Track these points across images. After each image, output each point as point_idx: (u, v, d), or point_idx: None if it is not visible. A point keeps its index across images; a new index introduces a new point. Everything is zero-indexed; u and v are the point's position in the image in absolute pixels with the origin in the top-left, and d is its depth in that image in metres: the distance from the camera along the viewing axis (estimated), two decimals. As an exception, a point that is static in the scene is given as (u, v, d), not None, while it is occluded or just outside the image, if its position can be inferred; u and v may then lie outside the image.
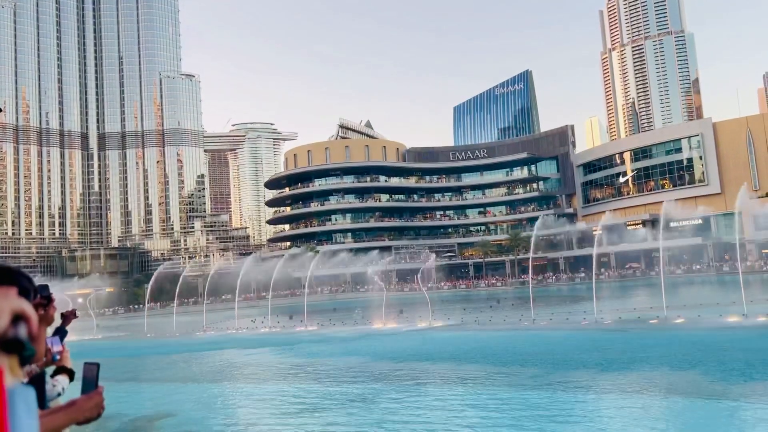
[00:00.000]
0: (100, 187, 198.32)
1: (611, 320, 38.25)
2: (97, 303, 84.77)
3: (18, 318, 0.94)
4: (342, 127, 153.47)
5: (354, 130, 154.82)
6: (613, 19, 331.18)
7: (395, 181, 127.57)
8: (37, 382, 2.88)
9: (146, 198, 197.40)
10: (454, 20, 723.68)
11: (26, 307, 0.95)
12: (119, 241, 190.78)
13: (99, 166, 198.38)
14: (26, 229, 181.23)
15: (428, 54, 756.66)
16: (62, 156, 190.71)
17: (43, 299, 3.85)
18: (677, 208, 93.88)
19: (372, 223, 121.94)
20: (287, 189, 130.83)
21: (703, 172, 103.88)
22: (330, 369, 27.75)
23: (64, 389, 3.42)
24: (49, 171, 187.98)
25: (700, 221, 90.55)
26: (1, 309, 0.92)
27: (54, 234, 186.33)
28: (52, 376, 3.45)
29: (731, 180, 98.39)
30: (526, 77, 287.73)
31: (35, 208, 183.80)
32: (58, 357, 3.38)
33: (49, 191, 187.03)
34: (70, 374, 3.42)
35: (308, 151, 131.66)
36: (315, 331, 48.52)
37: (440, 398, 19.77)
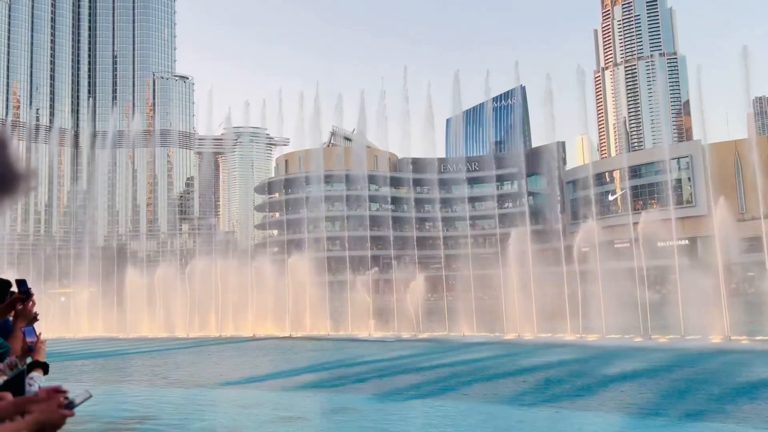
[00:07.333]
0: (88, 185, 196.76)
1: (596, 336, 38.38)
2: (80, 303, 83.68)
3: None
4: (334, 134, 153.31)
5: (346, 138, 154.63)
6: (607, 39, 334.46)
7: (385, 191, 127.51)
8: (17, 381, 2.80)
9: (134, 198, 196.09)
10: (451, 32, 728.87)
11: None
12: (105, 240, 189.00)
13: (88, 164, 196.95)
14: (11, 225, 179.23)
15: (424, 65, 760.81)
16: (51, 153, 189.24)
17: (21, 294, 3.74)
18: (664, 229, 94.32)
19: (361, 232, 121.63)
20: (277, 194, 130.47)
21: (691, 194, 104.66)
22: (311, 376, 27.54)
23: (40, 387, 3.10)
24: (36, 167, 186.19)
25: (686, 242, 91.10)
26: None
27: (39, 231, 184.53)
28: (27, 373, 3.30)
29: (718, 202, 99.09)
30: (520, 92, 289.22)
31: (21, 204, 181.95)
32: (33, 347, 3.37)
33: (36, 188, 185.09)
34: (45, 368, 3.31)
35: (299, 157, 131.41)
36: (299, 336, 48.25)
37: (418, 409, 19.65)
